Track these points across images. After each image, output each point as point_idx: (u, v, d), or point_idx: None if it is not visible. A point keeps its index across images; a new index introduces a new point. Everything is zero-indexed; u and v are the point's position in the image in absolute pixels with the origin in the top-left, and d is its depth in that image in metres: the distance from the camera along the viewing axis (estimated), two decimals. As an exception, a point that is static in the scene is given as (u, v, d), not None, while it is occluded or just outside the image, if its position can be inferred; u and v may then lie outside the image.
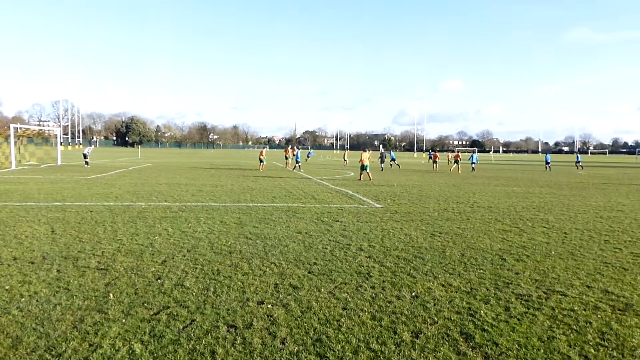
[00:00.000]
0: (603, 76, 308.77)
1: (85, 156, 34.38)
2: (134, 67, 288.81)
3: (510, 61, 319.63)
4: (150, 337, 4.55)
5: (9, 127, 33.39)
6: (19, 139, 37.55)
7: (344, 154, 48.67)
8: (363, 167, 25.14)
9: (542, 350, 4.46)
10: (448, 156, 44.94)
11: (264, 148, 37.33)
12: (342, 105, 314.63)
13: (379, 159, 38.82)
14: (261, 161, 35.51)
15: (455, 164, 38.12)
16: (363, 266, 7.34)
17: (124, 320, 4.93)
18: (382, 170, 36.83)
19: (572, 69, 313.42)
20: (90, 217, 11.25)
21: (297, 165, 35.56)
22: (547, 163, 44.07)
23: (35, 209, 12.40)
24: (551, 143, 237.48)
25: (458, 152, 47.85)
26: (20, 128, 39.94)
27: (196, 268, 7.01)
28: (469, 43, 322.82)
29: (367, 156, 25.28)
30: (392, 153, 46.19)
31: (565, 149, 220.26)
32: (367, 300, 5.76)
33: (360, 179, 25.38)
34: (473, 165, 38.95)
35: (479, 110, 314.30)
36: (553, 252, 8.55)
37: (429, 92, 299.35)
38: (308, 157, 60.87)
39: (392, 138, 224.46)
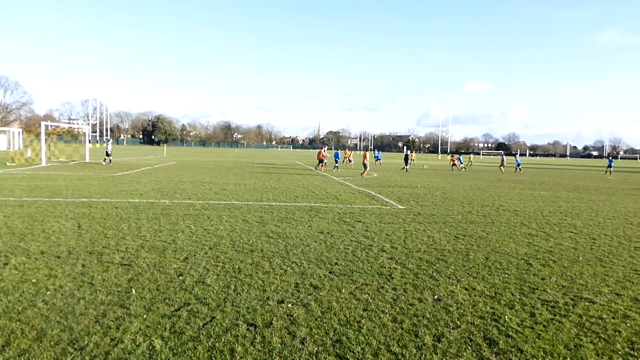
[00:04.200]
0: (633, 80, 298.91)
1: (107, 154, 34.33)
2: (159, 66, 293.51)
3: (537, 63, 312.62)
4: (170, 333, 4.58)
5: (39, 125, 34.27)
6: (49, 136, 38.51)
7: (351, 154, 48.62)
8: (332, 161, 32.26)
9: (568, 359, 4.33)
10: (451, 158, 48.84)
11: (323, 148, 37.60)
12: (365, 106, 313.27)
13: (404, 160, 39.28)
14: (320, 161, 35.65)
15: (501, 166, 42.59)
16: (385, 267, 7.26)
17: (145, 316, 4.97)
18: (406, 170, 37.07)
19: (601, 72, 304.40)
20: (115, 214, 11.43)
21: (336, 166, 35.46)
22: (609, 167, 46.68)
23: (63, 205, 12.66)
24: (579, 147, 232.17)
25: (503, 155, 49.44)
26: (51, 126, 40.96)
27: (217, 266, 7.03)
28: (493, 44, 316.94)
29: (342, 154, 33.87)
30: (379, 153, 49.33)
31: (595, 153, 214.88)
32: (388, 302, 5.69)
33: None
34: (461, 166, 43.60)
35: (504, 113, 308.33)
36: (581, 258, 8.32)
37: (453, 94, 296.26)
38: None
39: (417, 140, 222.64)
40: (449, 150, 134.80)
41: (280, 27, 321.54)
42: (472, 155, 65.36)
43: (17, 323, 4.69)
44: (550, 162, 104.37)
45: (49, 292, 5.63)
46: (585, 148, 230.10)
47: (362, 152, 28.87)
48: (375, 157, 51.71)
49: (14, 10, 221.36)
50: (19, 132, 66.21)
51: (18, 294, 5.55)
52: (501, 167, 42.35)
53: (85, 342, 4.31)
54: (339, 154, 37.03)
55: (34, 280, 6.06)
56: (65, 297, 5.47)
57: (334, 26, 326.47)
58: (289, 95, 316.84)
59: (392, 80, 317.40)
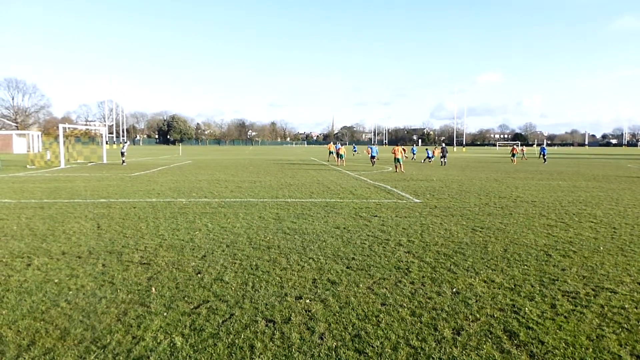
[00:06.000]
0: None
1: (122, 154, 35.04)
2: (173, 66, 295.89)
3: (552, 52, 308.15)
4: (190, 330, 4.62)
5: (58, 128, 34.76)
6: (67, 138, 39.05)
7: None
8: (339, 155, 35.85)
9: (590, 349, 4.28)
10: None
11: (338, 143, 38.44)
12: (377, 100, 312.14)
13: (440, 154, 38.71)
14: (340, 156, 36.68)
15: (513, 157, 42.75)
16: (402, 261, 7.24)
17: (165, 314, 5.03)
18: (443, 165, 36.77)
19: (618, 58, 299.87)
20: (133, 213, 11.56)
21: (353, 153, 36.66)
22: None
23: (82, 206, 12.85)
24: (598, 135, 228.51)
25: (521, 145, 49.01)
26: (69, 128, 41.55)
27: (235, 263, 7.08)
28: (505, 34, 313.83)
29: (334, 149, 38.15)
30: (415, 148, 49.71)
31: (614, 141, 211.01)
32: (406, 296, 5.67)
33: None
34: (431, 160, 41.81)
35: (519, 103, 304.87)
36: (601, 248, 8.20)
37: (466, 85, 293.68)
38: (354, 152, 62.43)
39: (431, 132, 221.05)
40: (464, 142, 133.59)
41: (290, 24, 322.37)
42: (524, 148, 61.06)
43: (41, 322, 4.78)
44: (568, 151, 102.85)
45: (71, 292, 5.73)
46: (604, 136, 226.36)
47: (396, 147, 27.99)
48: (412, 151, 52.28)
49: (30, 14, 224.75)
50: (38, 135, 67.45)
51: (41, 294, 5.66)
52: (513, 158, 42.39)
53: (108, 341, 4.37)
54: (375, 148, 37.13)
55: (56, 281, 6.17)
56: (87, 297, 5.56)
57: (344, 21, 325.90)
58: (301, 91, 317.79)
59: (404, 73, 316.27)
